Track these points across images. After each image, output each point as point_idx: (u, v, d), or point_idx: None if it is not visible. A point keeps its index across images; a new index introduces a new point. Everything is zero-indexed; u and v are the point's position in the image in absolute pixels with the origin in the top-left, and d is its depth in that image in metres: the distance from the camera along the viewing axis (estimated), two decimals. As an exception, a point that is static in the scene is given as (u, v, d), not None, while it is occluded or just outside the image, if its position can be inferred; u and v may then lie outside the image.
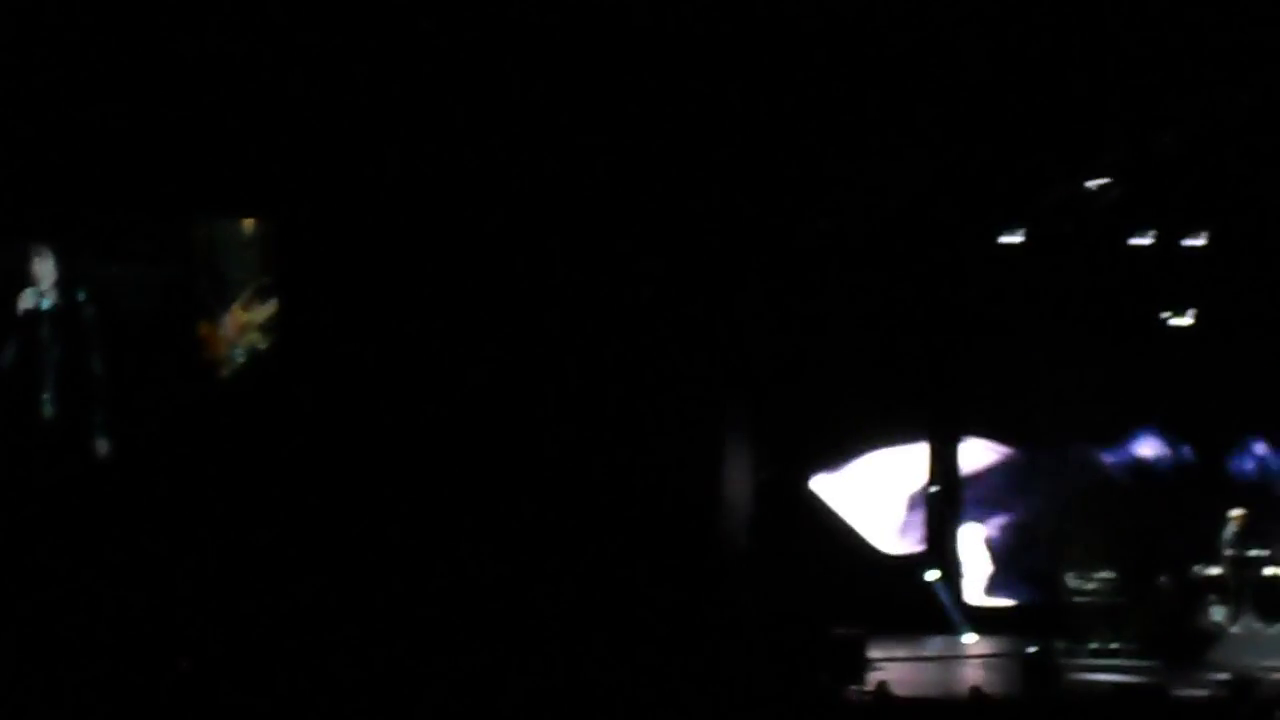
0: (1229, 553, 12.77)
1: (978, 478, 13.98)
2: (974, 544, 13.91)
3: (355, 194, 11.84)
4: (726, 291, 12.54)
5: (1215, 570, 12.80)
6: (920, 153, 12.05)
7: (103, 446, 11.67)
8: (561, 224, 12.18)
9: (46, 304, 11.62)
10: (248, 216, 12.01)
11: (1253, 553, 12.76)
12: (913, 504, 13.81)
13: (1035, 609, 13.31)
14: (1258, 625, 12.63)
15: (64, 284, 11.64)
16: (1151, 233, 13.55)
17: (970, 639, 13.43)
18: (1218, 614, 12.69)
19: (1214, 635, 12.49)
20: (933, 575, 13.66)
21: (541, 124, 11.74)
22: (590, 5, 11.07)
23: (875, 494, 13.67)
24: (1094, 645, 12.53)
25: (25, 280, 11.67)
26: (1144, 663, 12.07)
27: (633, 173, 12.08)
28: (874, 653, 11.35)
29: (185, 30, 11.10)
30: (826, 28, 11.14)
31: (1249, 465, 14.08)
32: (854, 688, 10.54)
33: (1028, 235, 13.46)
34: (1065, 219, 13.20)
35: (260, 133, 11.57)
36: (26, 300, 11.63)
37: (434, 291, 12.01)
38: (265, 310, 12.03)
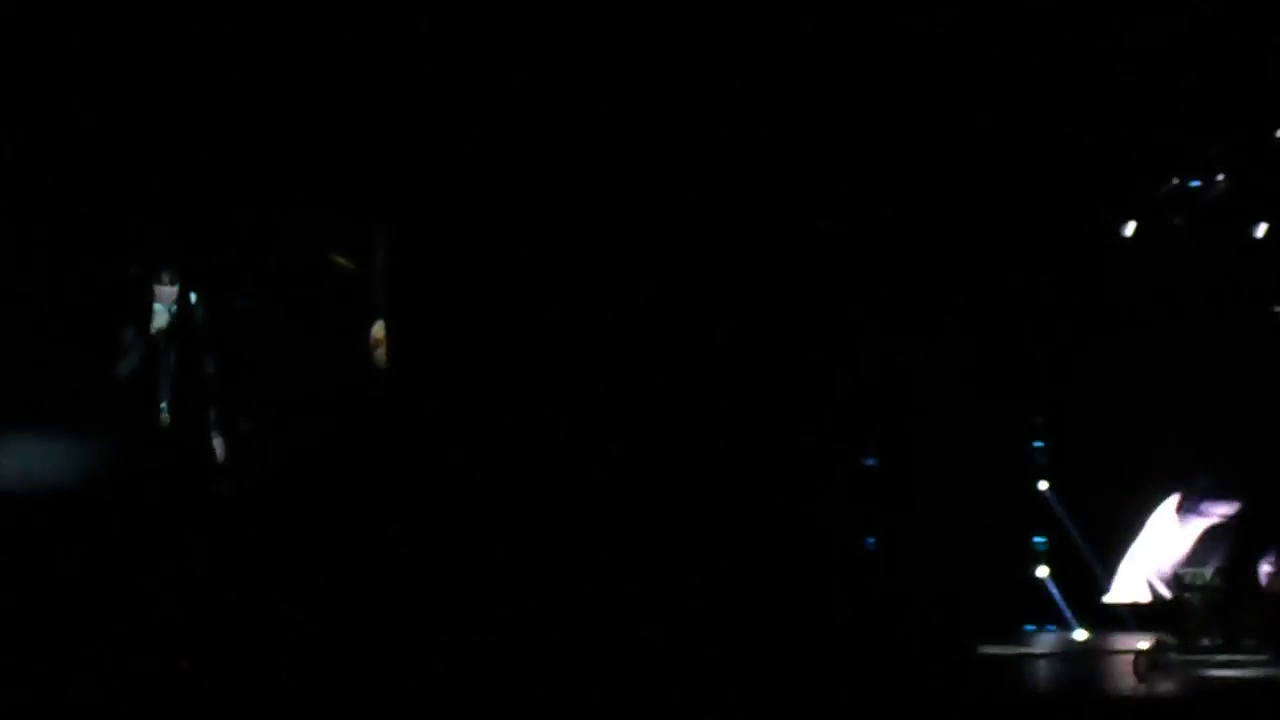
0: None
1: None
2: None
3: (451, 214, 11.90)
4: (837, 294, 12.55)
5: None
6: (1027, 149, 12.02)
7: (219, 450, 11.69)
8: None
9: (167, 310, 11.64)
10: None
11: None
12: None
13: (1148, 605, 13.19)
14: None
15: (183, 289, 11.66)
16: (1265, 225, 13.42)
17: (1081, 635, 13.37)
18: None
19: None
20: (1043, 571, 13.60)
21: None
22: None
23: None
24: (1206, 641, 12.42)
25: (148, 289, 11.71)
26: (1257, 658, 11.96)
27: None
28: (985, 650, 11.34)
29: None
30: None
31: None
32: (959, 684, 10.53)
33: (1139, 229, 13.38)
34: (1177, 212, 13.11)
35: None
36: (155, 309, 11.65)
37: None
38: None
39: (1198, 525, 13.24)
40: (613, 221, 12.00)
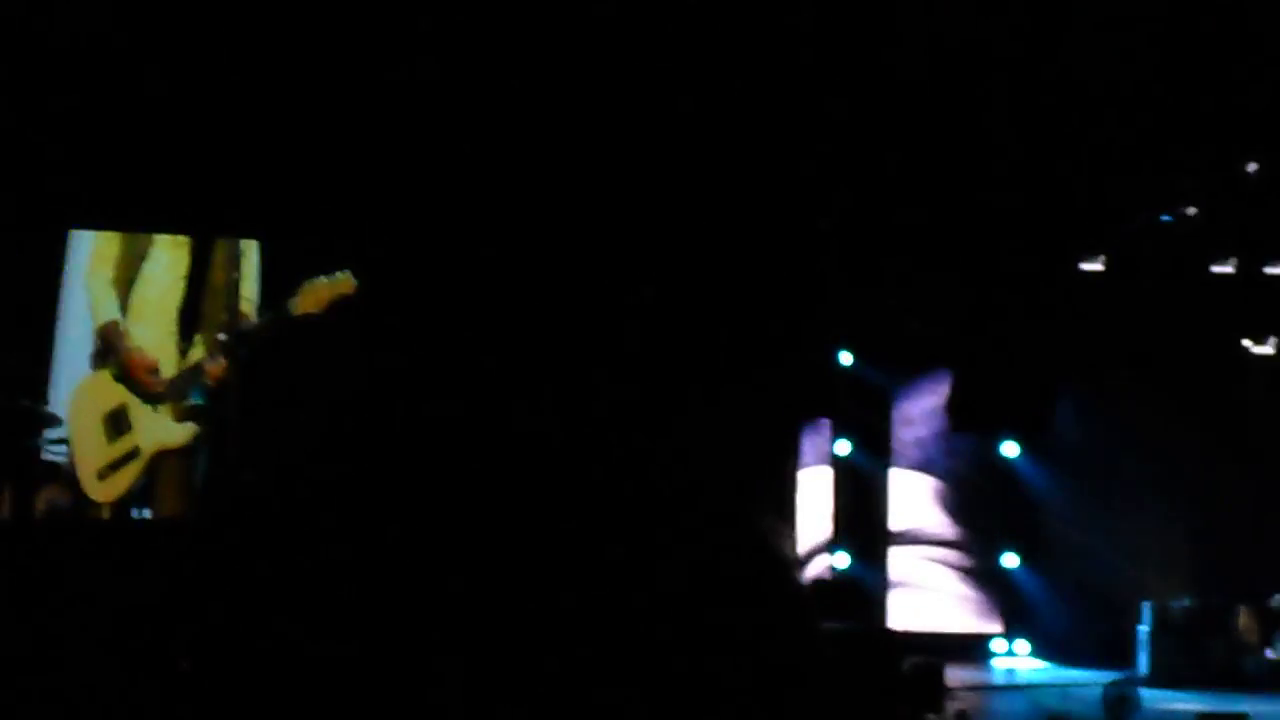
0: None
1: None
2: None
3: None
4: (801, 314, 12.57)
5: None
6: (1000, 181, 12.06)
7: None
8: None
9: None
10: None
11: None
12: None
13: (1116, 638, 13.21)
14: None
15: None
16: (1234, 260, 13.48)
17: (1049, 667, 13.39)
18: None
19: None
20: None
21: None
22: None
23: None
24: (1173, 675, 12.45)
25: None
26: (1224, 693, 11.99)
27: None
28: (951, 681, 11.33)
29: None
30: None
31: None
32: (931, 716, 10.50)
33: (1107, 262, 13.43)
34: (1146, 246, 13.16)
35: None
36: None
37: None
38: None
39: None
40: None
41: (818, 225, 12.46)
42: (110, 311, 11.47)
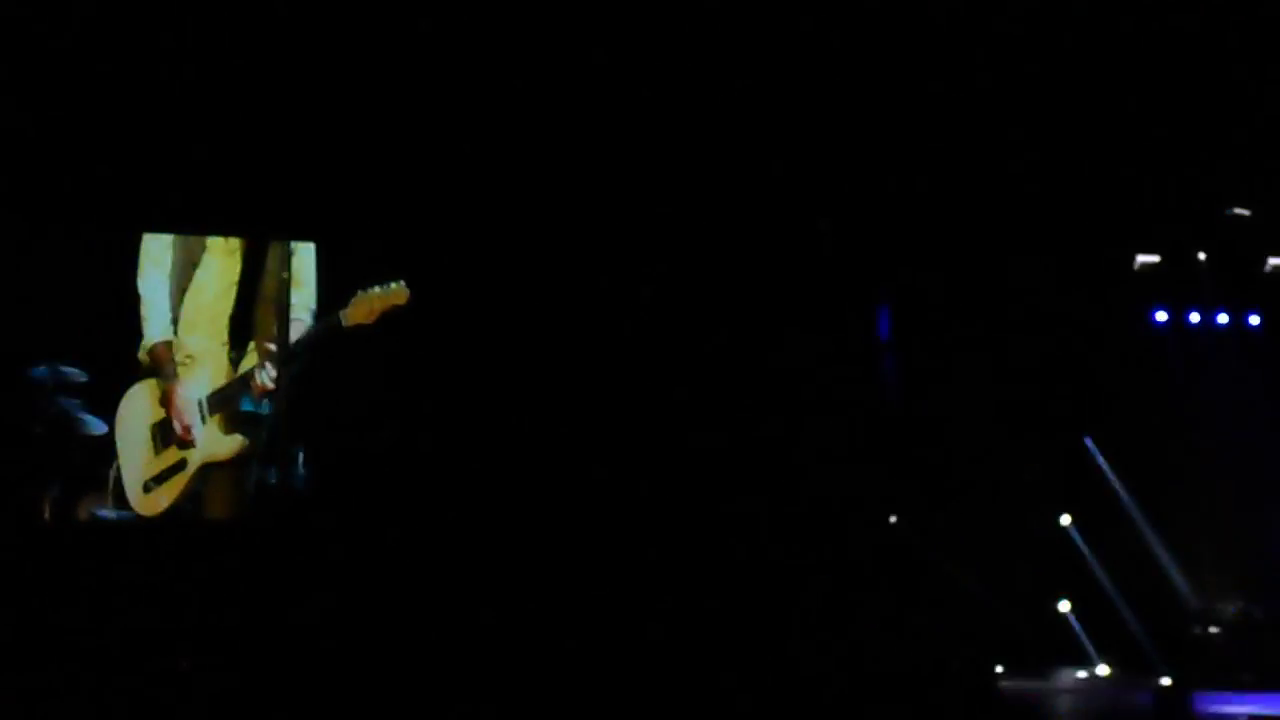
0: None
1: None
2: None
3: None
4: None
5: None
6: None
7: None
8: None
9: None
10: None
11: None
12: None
13: (1170, 639, 13.13)
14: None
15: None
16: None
17: (1103, 670, 13.30)
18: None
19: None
20: (1065, 606, 13.52)
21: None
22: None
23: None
24: (1227, 676, 12.38)
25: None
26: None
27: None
28: (1005, 685, 11.29)
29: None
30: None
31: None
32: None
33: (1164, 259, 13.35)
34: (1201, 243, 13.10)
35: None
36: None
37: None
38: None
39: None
40: (613, 221, 11.99)
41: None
42: (162, 329, 11.38)
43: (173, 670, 10.70)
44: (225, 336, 11.46)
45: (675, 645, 11.66)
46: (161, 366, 11.34)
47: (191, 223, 11.45)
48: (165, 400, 11.34)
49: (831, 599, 12.16)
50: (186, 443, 11.36)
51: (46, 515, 11.13)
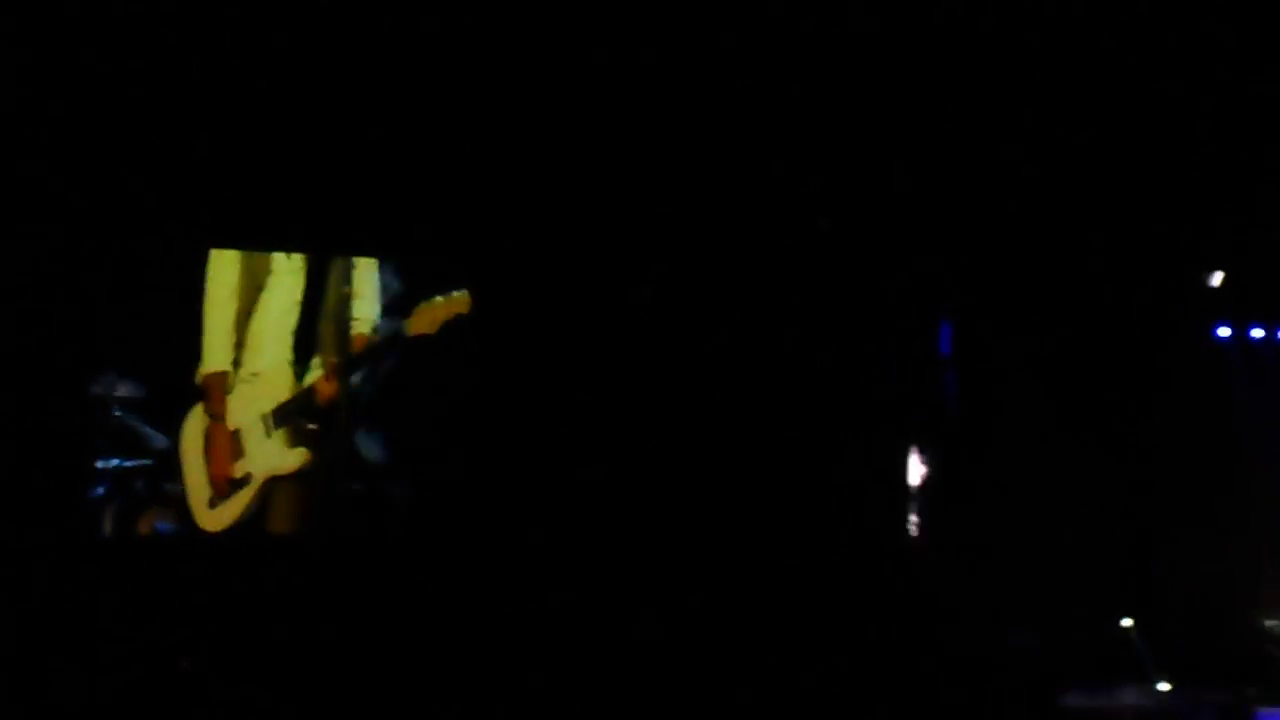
0: None
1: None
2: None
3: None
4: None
5: None
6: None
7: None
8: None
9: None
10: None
11: None
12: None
13: (1233, 656, 13.05)
14: None
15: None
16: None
17: (1165, 687, 13.21)
18: None
19: None
20: (1127, 622, 13.45)
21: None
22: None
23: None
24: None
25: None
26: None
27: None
28: (1068, 701, 11.23)
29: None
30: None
31: None
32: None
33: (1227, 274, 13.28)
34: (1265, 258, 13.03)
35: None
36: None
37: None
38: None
39: None
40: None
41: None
42: (220, 360, 11.39)
43: (238, 685, 10.71)
44: (290, 352, 11.48)
45: (729, 660, 11.66)
46: (211, 393, 11.35)
47: (257, 238, 11.49)
48: (214, 422, 11.38)
49: (890, 616, 12.14)
50: (244, 458, 11.39)
51: (107, 530, 11.14)
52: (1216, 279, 12.76)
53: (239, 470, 11.38)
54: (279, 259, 11.49)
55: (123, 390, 11.19)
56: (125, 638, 10.87)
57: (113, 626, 10.88)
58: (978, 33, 11.37)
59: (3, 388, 10.84)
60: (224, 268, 11.43)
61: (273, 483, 11.42)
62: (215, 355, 11.36)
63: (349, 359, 11.47)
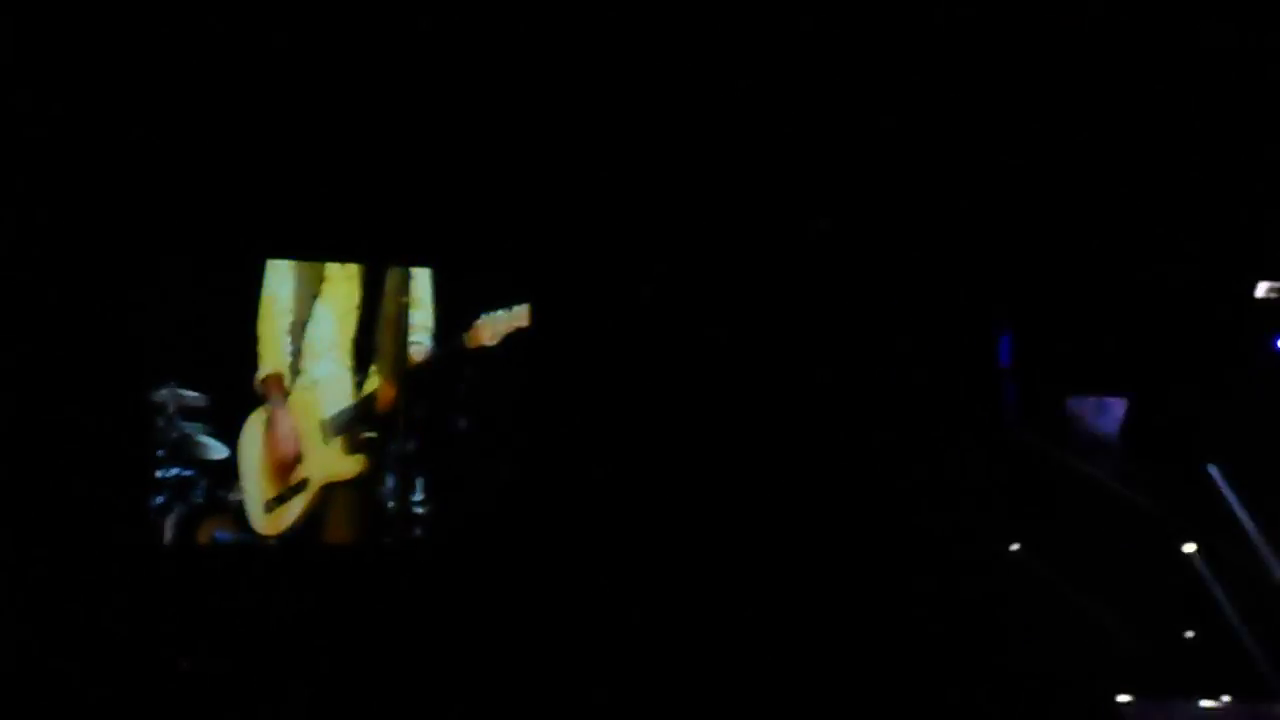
0: None
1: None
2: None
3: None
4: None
5: None
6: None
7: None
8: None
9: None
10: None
11: None
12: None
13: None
14: None
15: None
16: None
17: (1226, 699, 13.10)
18: None
19: None
20: (1189, 634, 13.34)
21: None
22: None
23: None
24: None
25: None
26: None
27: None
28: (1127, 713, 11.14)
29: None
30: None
31: None
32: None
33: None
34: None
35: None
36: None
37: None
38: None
39: None
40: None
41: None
42: (275, 362, 11.44)
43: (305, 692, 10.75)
44: (349, 360, 11.54)
45: (790, 670, 11.63)
46: (270, 396, 11.39)
47: (312, 249, 11.54)
48: (271, 426, 11.40)
49: (952, 626, 12.09)
50: (302, 464, 11.43)
51: (167, 538, 11.19)
52: (1262, 289, 12.67)
53: (296, 475, 11.43)
54: (333, 268, 11.54)
55: (182, 399, 11.24)
56: (183, 643, 10.92)
57: (175, 633, 10.93)
58: (1039, 33, 11.35)
59: (63, 398, 10.90)
60: (279, 277, 11.46)
61: (329, 489, 11.47)
62: (271, 360, 11.41)
63: (408, 368, 11.51)
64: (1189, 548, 13.47)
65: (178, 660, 10.76)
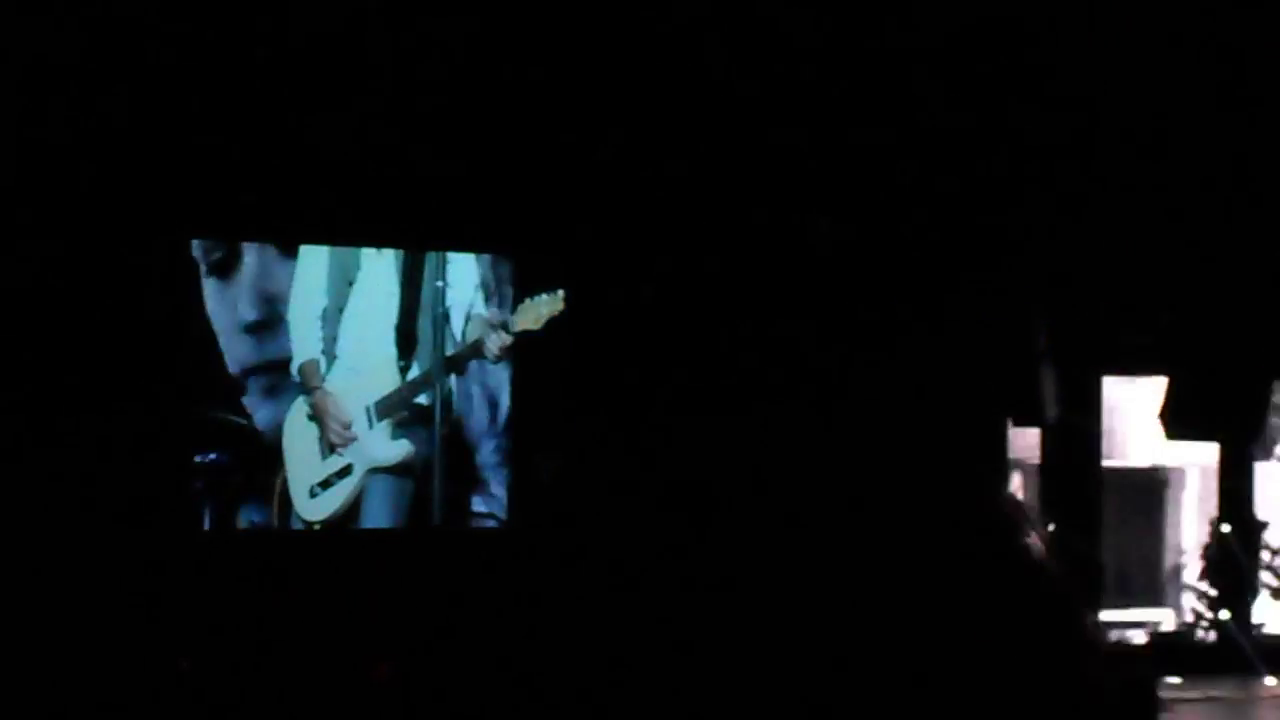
0: None
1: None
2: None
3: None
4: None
5: None
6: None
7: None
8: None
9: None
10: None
11: None
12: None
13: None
14: None
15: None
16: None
17: (1270, 682, 13.13)
18: None
19: None
20: (1226, 614, 13.38)
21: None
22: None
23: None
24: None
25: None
26: None
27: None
28: (1165, 694, 11.15)
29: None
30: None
31: None
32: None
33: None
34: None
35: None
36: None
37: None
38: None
39: None
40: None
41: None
42: (310, 350, 11.40)
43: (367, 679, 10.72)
44: (391, 345, 11.49)
45: (820, 669, 11.57)
46: (309, 381, 11.36)
47: (347, 235, 11.51)
48: (317, 412, 11.38)
49: (994, 613, 12.05)
50: (346, 450, 11.41)
51: (206, 525, 11.17)
52: None
53: (340, 461, 11.39)
54: (368, 253, 11.51)
55: (221, 384, 11.22)
56: (230, 630, 10.91)
57: (220, 619, 10.91)
58: (1091, 39, 11.34)
59: (99, 386, 10.86)
60: (313, 268, 11.44)
61: (374, 473, 11.44)
62: (307, 346, 11.38)
63: (453, 354, 11.50)
64: (1225, 528, 13.53)
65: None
